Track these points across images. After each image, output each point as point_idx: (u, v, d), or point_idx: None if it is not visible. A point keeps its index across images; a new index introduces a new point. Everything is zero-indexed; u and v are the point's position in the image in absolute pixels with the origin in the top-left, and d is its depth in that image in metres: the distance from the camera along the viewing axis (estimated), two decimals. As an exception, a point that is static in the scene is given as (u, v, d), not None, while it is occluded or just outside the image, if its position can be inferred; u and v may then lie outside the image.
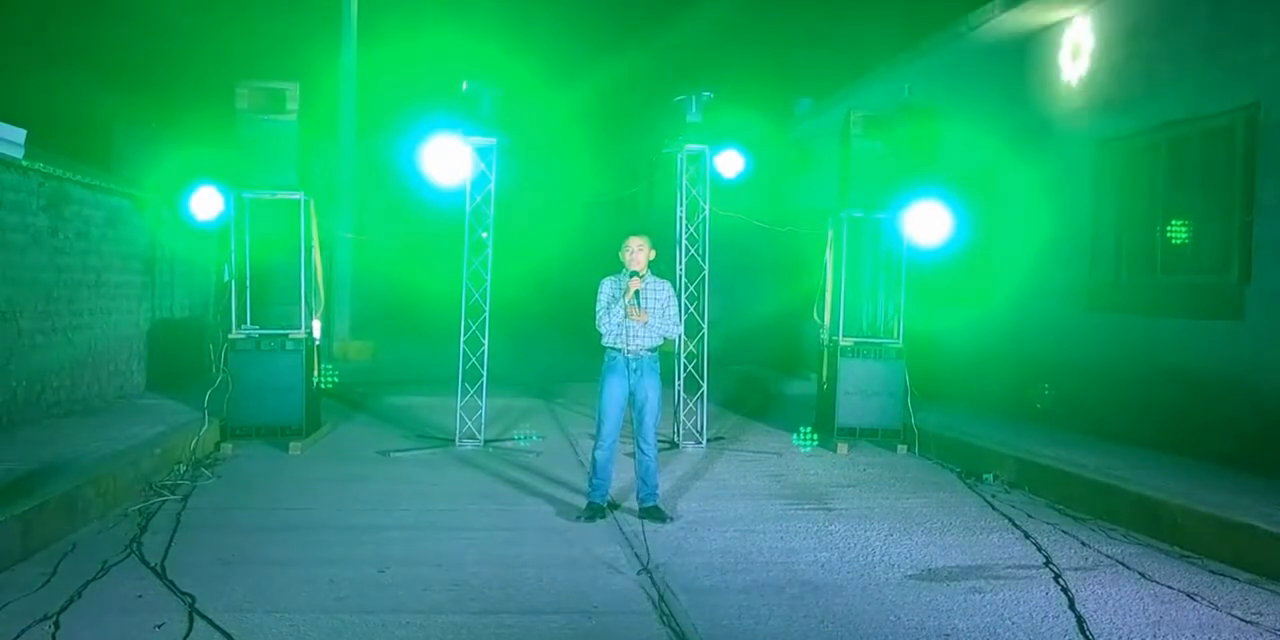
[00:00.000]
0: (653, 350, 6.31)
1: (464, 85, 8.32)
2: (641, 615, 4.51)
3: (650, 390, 6.25)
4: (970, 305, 10.56)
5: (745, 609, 4.62)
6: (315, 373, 8.66)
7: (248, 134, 8.20)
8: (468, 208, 8.72)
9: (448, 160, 8.26)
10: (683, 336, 9.09)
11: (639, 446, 6.26)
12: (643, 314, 6.18)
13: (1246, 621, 4.56)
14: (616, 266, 6.36)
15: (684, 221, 9.21)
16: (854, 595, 4.84)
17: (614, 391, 6.23)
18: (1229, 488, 6.35)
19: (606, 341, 6.29)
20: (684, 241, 9.18)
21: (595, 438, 6.31)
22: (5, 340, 7.74)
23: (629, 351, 6.22)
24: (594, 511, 6.21)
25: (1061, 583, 5.08)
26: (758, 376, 13.96)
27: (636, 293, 6.19)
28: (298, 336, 8.37)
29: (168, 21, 15.33)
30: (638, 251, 6.24)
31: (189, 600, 4.51)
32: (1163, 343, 7.99)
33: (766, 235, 10.22)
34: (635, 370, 6.23)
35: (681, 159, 9.15)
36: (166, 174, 9.70)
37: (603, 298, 6.29)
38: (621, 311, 6.18)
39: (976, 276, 10.41)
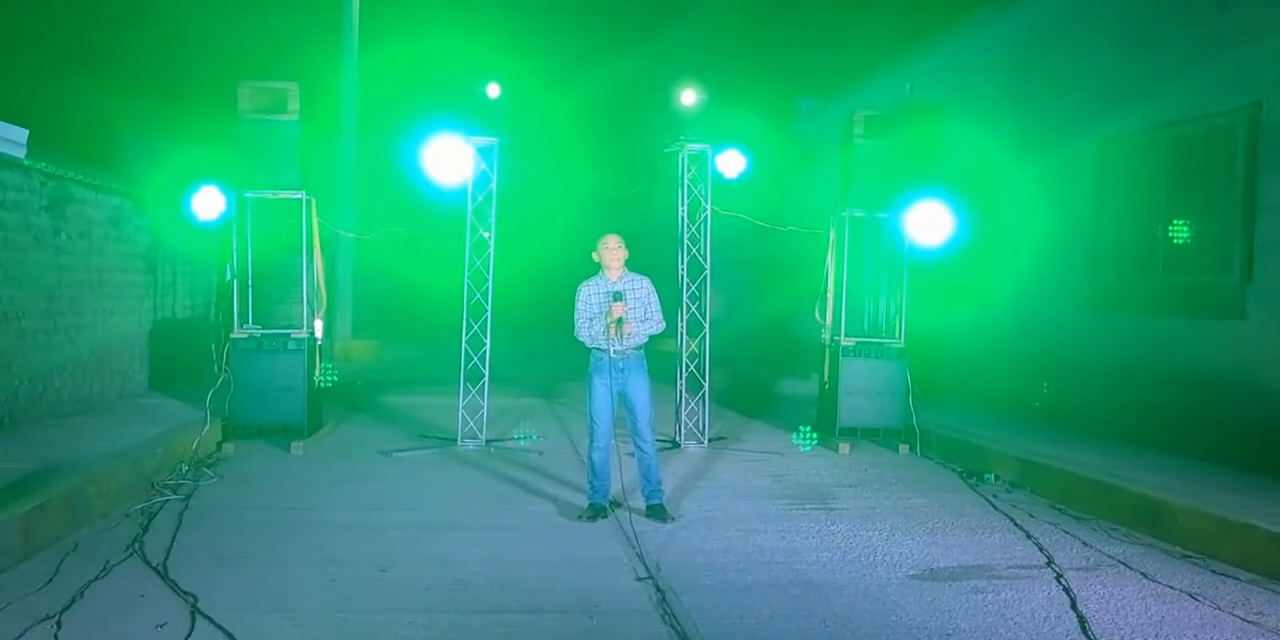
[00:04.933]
0: (638, 348, 6.28)
1: (490, 90, 8.34)
2: (643, 615, 4.52)
3: (639, 388, 6.23)
4: (972, 305, 10.55)
5: (747, 609, 4.62)
6: (316, 372, 8.66)
7: (249, 134, 8.21)
8: (469, 207, 8.72)
9: (449, 160, 8.27)
10: (684, 336, 9.09)
11: (637, 445, 6.26)
12: (627, 325, 6.09)
13: (1248, 621, 4.56)
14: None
15: (685, 221, 9.20)
16: (855, 595, 4.84)
17: (602, 392, 6.21)
18: (1231, 487, 6.35)
19: (590, 343, 6.27)
20: (685, 241, 9.18)
21: (589, 439, 6.29)
22: (8, 340, 7.75)
23: (614, 352, 6.16)
24: (595, 511, 6.21)
25: (1063, 583, 5.08)
26: (759, 376, 13.95)
27: (619, 321, 6.05)
28: (300, 336, 8.38)
29: (170, 21, 15.32)
30: (616, 249, 6.19)
31: (191, 600, 4.51)
32: (1165, 342, 7.98)
33: (768, 235, 10.22)
34: (622, 369, 6.18)
35: (683, 159, 9.15)
36: (168, 174, 9.70)
37: (581, 307, 6.21)
38: (602, 327, 6.11)
39: (978, 276, 10.41)
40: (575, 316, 6.24)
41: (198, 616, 4.31)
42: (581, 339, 6.26)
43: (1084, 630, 4.41)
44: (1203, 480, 6.58)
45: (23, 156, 7.80)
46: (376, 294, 18.89)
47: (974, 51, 11.08)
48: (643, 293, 6.29)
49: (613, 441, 6.28)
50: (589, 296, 6.24)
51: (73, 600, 4.47)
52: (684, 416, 9.05)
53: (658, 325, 6.35)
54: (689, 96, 8.70)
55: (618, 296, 6.10)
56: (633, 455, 6.41)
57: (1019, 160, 9.93)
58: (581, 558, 5.39)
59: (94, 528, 5.71)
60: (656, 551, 5.46)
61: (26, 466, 6.17)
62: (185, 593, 4.60)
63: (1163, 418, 7.88)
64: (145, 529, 5.69)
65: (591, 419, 6.24)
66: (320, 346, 8.78)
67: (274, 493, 6.80)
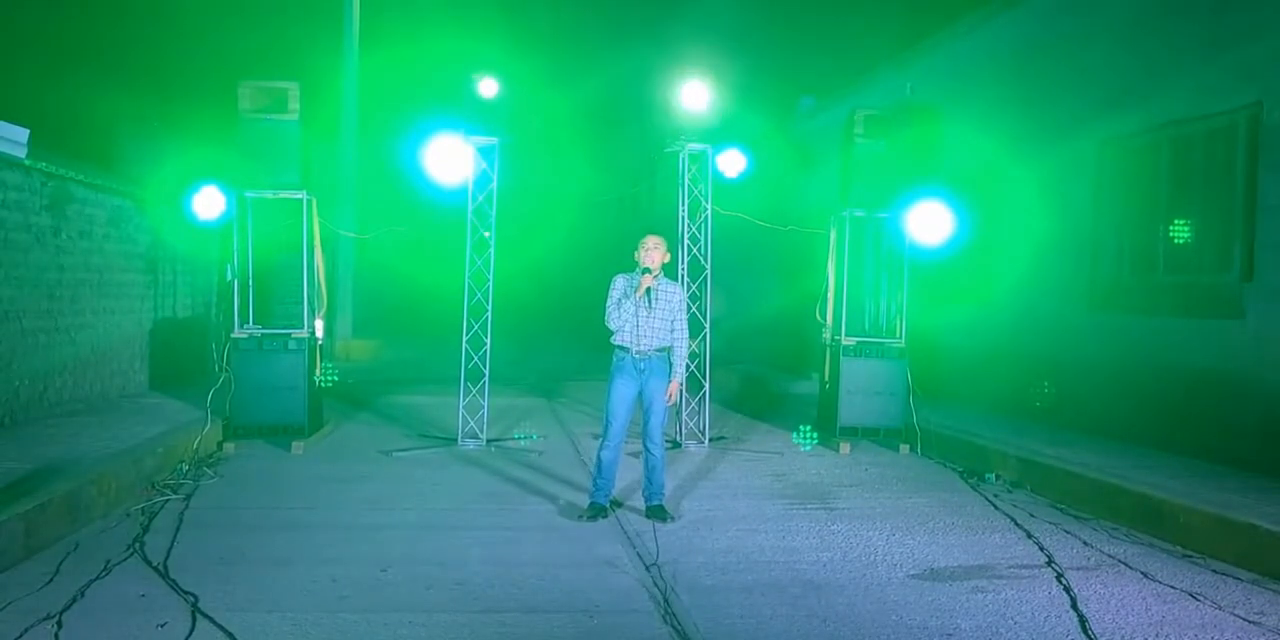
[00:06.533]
0: (661, 350, 6.28)
1: (483, 83, 8.32)
2: (644, 614, 4.52)
3: (658, 391, 6.23)
4: (972, 304, 10.56)
5: (748, 608, 4.62)
6: (317, 372, 8.67)
7: (250, 134, 8.21)
8: (469, 207, 8.72)
9: (449, 159, 8.27)
10: (686, 336, 9.07)
11: (646, 446, 6.25)
12: (652, 275, 6.13)
13: (1249, 621, 4.56)
14: (620, 265, 6.34)
15: (686, 221, 9.21)
16: (856, 595, 4.84)
17: (622, 392, 6.21)
18: (1231, 487, 6.35)
19: (616, 340, 6.27)
20: (686, 241, 9.18)
21: (601, 437, 6.29)
22: (8, 339, 7.75)
23: (637, 351, 6.18)
24: (596, 511, 6.20)
25: (1064, 582, 5.08)
26: (761, 376, 13.96)
27: (649, 290, 6.15)
28: (300, 336, 8.38)
29: (170, 21, 15.34)
30: (653, 250, 6.19)
31: (191, 599, 4.51)
32: (1165, 342, 7.98)
33: (769, 234, 10.22)
34: (643, 370, 6.20)
35: (683, 158, 9.14)
36: (169, 173, 9.72)
37: (614, 293, 6.24)
38: (632, 306, 6.15)
39: (979, 276, 10.41)
40: (606, 304, 6.25)
41: (198, 616, 4.31)
42: (611, 327, 6.24)
43: (1084, 630, 4.41)
44: (1203, 480, 6.58)
45: (23, 156, 7.80)
46: (377, 294, 18.92)
47: (974, 51, 11.08)
48: (675, 300, 6.30)
49: (624, 442, 6.29)
50: (623, 285, 6.26)
51: (73, 600, 4.47)
52: (684, 416, 9.05)
53: (681, 333, 6.34)
54: (691, 93, 8.68)
55: (645, 271, 6.15)
56: (638, 456, 6.40)
57: (1019, 160, 9.93)
58: (581, 558, 5.39)
59: (94, 527, 5.71)
60: (657, 551, 5.46)
61: (27, 466, 6.17)
62: (186, 592, 4.60)
63: (1163, 417, 7.88)
64: (146, 529, 5.69)
65: (606, 418, 6.23)
66: (321, 346, 8.78)
67: (274, 492, 6.80)
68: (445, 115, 8.44)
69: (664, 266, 6.33)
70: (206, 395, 8.11)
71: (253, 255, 8.46)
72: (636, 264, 6.26)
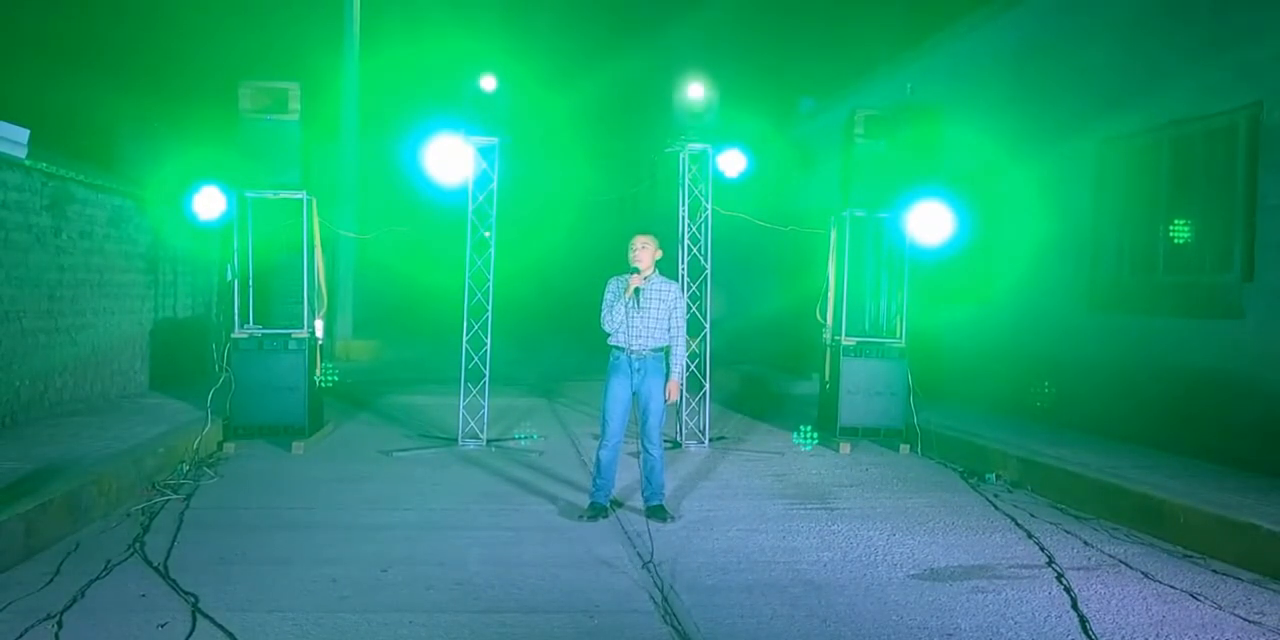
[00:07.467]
0: (657, 350, 6.29)
1: (484, 82, 8.33)
2: (644, 614, 4.52)
3: (654, 390, 6.23)
4: (972, 304, 10.56)
5: (748, 608, 4.62)
6: (317, 372, 8.67)
7: (250, 134, 8.21)
8: (470, 207, 8.72)
9: (450, 159, 8.28)
10: (684, 335, 9.08)
11: (644, 446, 6.26)
12: (640, 275, 6.15)
13: (1250, 621, 4.56)
14: (620, 266, 6.35)
15: (686, 221, 9.21)
16: (856, 595, 4.84)
17: (618, 391, 6.22)
18: (1232, 487, 6.35)
19: (611, 340, 6.29)
20: (686, 241, 9.18)
21: (600, 437, 6.30)
22: (9, 340, 7.75)
23: (632, 351, 6.20)
24: (596, 511, 6.21)
25: (1064, 582, 5.07)
26: (761, 376, 13.96)
27: (637, 290, 6.17)
28: (300, 336, 8.38)
29: (171, 21, 15.35)
30: (641, 249, 6.22)
31: (192, 599, 4.51)
32: (1165, 342, 7.98)
33: (769, 234, 10.22)
34: (639, 370, 6.21)
35: (684, 158, 9.14)
36: (169, 174, 9.72)
37: (608, 296, 6.27)
38: (623, 307, 6.17)
39: (979, 276, 10.42)
40: (601, 307, 6.28)
41: (198, 616, 4.31)
42: (606, 329, 6.27)
43: (1085, 630, 4.41)
44: (1203, 480, 6.58)
45: (24, 156, 7.80)
46: (377, 294, 18.92)
47: (974, 51, 11.08)
48: (669, 298, 6.29)
49: (622, 441, 6.29)
50: (615, 287, 6.28)
51: (74, 600, 4.47)
52: (685, 416, 9.05)
53: (678, 334, 6.32)
54: (691, 93, 8.69)
55: (634, 271, 6.17)
56: (638, 456, 6.41)
57: (1019, 160, 9.93)
58: (581, 558, 5.39)
59: (95, 527, 5.71)
60: (657, 551, 5.46)
61: (28, 466, 6.17)
62: (186, 592, 4.61)
63: (1163, 417, 7.87)
64: (146, 529, 5.70)
65: (604, 417, 6.25)
66: (321, 346, 8.78)
67: (275, 493, 6.80)
68: (445, 115, 8.44)
69: (662, 266, 6.33)
70: (207, 395, 8.11)
71: (253, 255, 8.46)
72: (628, 265, 6.28)
